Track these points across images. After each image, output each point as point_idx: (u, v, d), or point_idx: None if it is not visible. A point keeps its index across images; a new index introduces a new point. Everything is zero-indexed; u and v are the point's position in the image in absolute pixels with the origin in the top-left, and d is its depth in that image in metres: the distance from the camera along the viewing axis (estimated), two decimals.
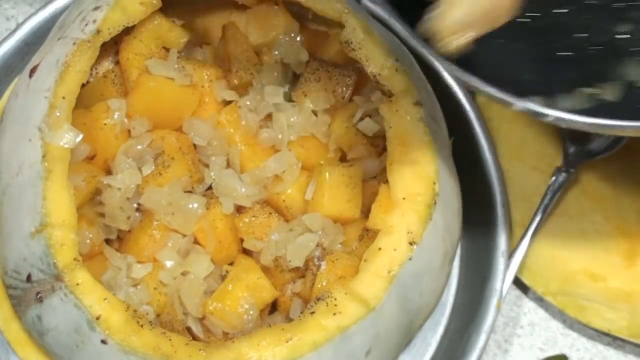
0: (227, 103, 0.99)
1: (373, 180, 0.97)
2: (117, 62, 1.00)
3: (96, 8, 0.94)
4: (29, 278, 0.87)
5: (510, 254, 1.08)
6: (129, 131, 0.96)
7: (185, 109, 0.98)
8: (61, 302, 0.84)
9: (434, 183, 0.91)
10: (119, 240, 0.96)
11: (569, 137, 1.13)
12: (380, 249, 0.88)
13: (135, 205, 0.95)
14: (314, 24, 1.03)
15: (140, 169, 0.94)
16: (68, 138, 0.88)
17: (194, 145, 0.98)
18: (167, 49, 0.99)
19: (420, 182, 0.90)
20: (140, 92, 0.95)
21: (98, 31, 0.92)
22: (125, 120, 0.95)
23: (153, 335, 0.84)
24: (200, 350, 0.84)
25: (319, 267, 0.91)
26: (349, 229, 0.96)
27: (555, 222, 1.12)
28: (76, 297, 0.84)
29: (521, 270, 1.09)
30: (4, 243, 0.90)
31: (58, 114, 0.88)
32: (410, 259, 0.88)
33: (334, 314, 0.85)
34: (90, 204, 0.95)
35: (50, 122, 0.88)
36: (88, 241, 0.92)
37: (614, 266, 1.10)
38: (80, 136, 0.89)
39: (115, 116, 0.94)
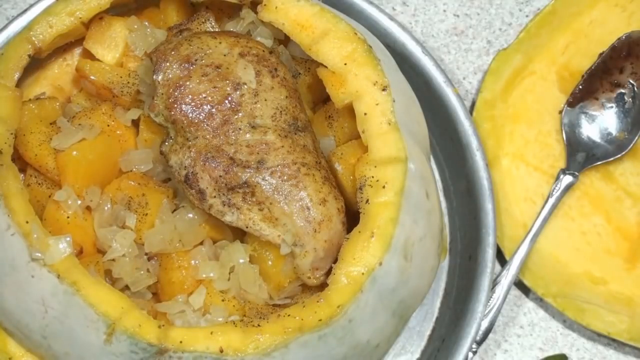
0: (137, 122, 0.96)
1: (302, 75, 0.97)
2: (24, 170, 0.95)
3: None
4: None
5: (512, 255, 1.06)
6: (89, 207, 0.91)
7: (113, 154, 0.94)
8: None
9: (355, 33, 0.91)
10: (155, 296, 0.93)
11: (575, 142, 1.11)
12: (365, 113, 0.89)
13: (145, 257, 0.91)
14: None
15: (125, 225, 0.91)
16: (62, 246, 0.84)
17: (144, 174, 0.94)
18: (53, 123, 0.95)
19: (344, 42, 0.91)
20: (70, 169, 0.91)
21: (0, 152, 0.88)
22: (79, 201, 0.91)
23: (273, 324, 0.83)
24: (318, 301, 0.83)
25: (336, 171, 0.91)
26: (317, 126, 0.96)
27: (556, 224, 1.10)
28: (191, 352, 0.82)
29: (522, 272, 1.07)
30: None
31: (35, 235, 0.84)
32: (394, 101, 0.89)
33: (383, 187, 0.86)
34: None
35: (37, 247, 0.83)
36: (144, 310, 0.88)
37: (615, 269, 1.09)
38: (69, 236, 0.85)
39: (70, 204, 0.90)
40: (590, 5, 1.16)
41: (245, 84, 0.89)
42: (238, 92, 0.89)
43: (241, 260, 0.90)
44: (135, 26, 0.97)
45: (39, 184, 0.93)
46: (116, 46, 0.98)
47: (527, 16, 1.21)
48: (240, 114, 0.89)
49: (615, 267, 1.09)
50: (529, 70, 1.15)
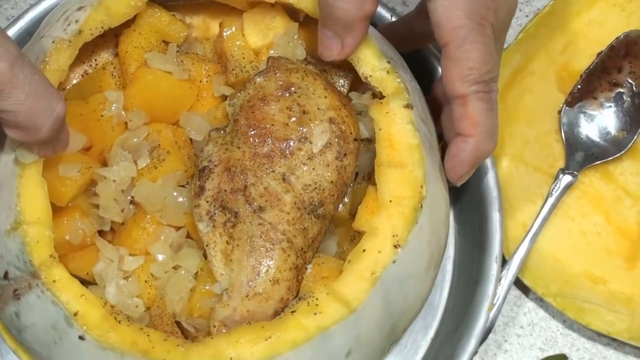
0: (225, 98, 0.95)
1: (365, 182, 0.93)
2: (117, 55, 0.97)
3: (80, 8, 0.92)
4: (5, 275, 0.84)
5: (512, 255, 1.05)
6: (126, 124, 0.92)
7: (182, 103, 0.94)
8: (38, 299, 0.82)
9: (421, 187, 0.87)
10: (112, 232, 0.93)
11: (574, 142, 1.11)
12: (364, 250, 0.85)
13: (129, 197, 0.92)
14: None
15: (135, 162, 0.91)
16: None
17: (190, 139, 0.94)
18: (166, 43, 0.96)
19: (407, 185, 0.86)
20: (138, 84, 0.92)
21: (80, 31, 0.90)
22: (122, 112, 0.92)
23: (131, 331, 0.82)
24: (178, 346, 0.81)
25: (305, 270, 0.88)
26: (340, 229, 0.93)
27: (556, 224, 1.09)
28: (53, 294, 0.81)
29: (522, 271, 1.07)
30: None
31: None
32: (394, 262, 0.84)
33: (315, 313, 0.82)
34: (85, 194, 0.91)
35: None
36: (80, 232, 0.89)
37: (614, 268, 1.08)
38: None
39: (113, 108, 0.92)
40: (589, 5, 1.15)
41: (311, 142, 0.88)
42: (298, 144, 0.87)
43: (189, 269, 0.89)
44: (291, 32, 0.97)
45: (112, 75, 0.95)
46: (265, 37, 0.97)
47: (526, 16, 1.20)
48: (283, 161, 0.87)
49: (615, 266, 1.08)
50: (528, 70, 1.14)
